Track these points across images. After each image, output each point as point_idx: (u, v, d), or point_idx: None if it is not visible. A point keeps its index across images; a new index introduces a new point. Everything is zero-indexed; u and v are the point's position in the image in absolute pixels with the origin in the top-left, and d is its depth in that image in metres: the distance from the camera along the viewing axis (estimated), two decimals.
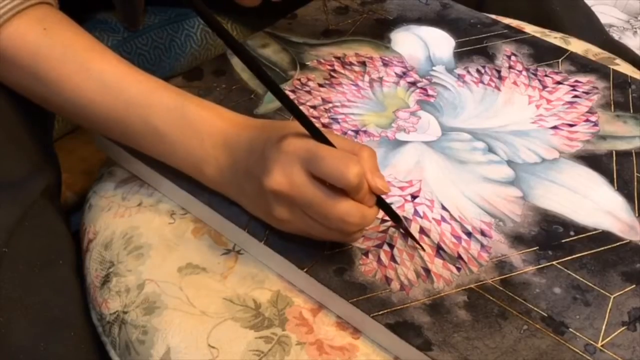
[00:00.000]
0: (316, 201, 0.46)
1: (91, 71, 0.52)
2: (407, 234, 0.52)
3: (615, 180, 0.58)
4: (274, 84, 0.46)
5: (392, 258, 0.51)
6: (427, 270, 0.50)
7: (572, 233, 0.53)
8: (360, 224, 0.47)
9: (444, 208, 0.55)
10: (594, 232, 0.54)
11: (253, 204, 0.51)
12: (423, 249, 0.51)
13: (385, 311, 0.48)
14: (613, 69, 0.69)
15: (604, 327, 0.47)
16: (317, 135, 0.47)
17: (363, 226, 0.48)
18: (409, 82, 0.67)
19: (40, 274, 0.52)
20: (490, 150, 0.60)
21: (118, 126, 0.53)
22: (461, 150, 0.60)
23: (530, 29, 0.76)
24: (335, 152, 0.46)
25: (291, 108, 0.47)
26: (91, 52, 0.53)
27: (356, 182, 0.45)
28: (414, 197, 0.55)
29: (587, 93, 0.66)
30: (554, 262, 0.51)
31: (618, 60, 0.74)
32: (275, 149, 0.47)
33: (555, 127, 0.62)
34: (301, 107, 0.51)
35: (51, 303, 0.52)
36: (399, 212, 0.53)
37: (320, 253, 0.51)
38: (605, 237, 0.53)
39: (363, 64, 0.68)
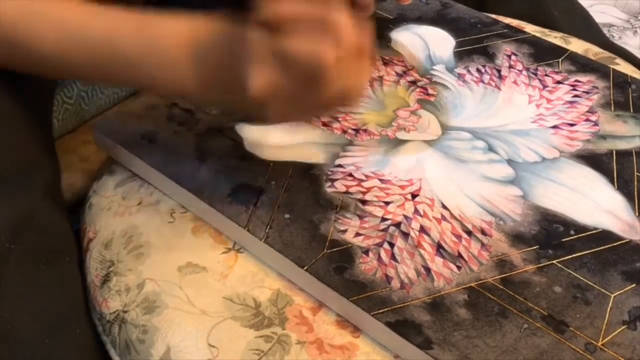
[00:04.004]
0: (309, 10, 0.43)
1: (52, 20, 0.50)
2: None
3: (615, 179, 0.58)
4: None
5: (393, 256, 0.51)
6: (428, 269, 0.50)
7: (572, 232, 0.53)
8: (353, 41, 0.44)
9: (444, 207, 0.55)
10: (594, 232, 0.54)
11: (229, 86, 0.47)
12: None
13: (386, 309, 0.48)
14: (613, 69, 0.69)
15: (604, 326, 0.47)
16: None
17: (361, 48, 0.45)
18: (409, 81, 0.67)
19: (46, 270, 0.52)
20: (491, 149, 0.60)
21: (96, 69, 0.52)
22: (461, 149, 0.60)
23: (531, 29, 0.76)
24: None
25: None
26: (51, 2, 0.51)
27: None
28: (414, 195, 0.55)
29: (587, 92, 0.66)
30: (554, 261, 0.51)
31: (618, 60, 0.74)
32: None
33: (555, 127, 0.62)
34: None
35: (56, 300, 0.52)
36: (399, 210, 0.53)
37: (321, 251, 0.51)
38: (606, 236, 0.53)
39: None
